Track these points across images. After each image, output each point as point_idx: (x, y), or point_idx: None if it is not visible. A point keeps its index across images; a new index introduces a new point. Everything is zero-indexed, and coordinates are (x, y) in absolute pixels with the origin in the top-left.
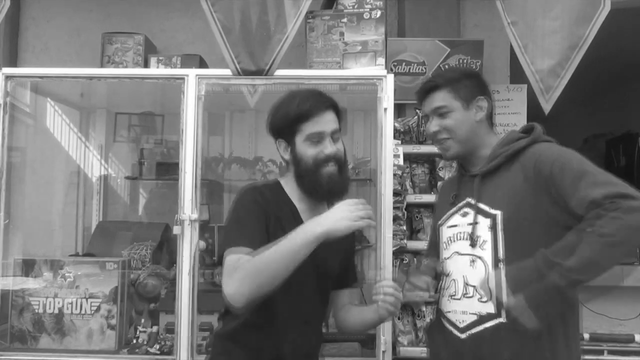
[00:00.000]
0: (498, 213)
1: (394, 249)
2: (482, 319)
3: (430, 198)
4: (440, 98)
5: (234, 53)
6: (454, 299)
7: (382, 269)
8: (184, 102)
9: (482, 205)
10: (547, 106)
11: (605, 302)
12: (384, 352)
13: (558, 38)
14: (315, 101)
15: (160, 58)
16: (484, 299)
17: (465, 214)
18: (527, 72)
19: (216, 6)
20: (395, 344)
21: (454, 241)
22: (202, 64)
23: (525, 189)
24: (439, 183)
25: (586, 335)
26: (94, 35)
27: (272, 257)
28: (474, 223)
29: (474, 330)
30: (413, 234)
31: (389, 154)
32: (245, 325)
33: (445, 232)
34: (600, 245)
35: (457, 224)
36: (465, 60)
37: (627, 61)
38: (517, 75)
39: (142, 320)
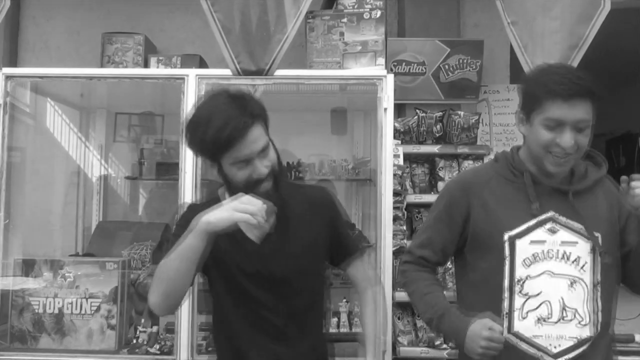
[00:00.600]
0: (599, 235)
1: (394, 249)
2: (579, 343)
3: (430, 198)
4: (587, 109)
5: (234, 53)
6: (548, 322)
7: (382, 269)
8: (184, 102)
9: (579, 226)
10: None
11: None
12: (384, 352)
13: (558, 38)
14: (234, 126)
15: (160, 58)
16: (584, 322)
17: (554, 231)
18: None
19: (216, 6)
20: (395, 344)
21: (543, 259)
22: (202, 64)
23: (612, 216)
24: (440, 183)
25: None
26: (94, 35)
27: (169, 259)
28: (577, 243)
29: (570, 355)
30: (413, 233)
31: (389, 154)
32: (215, 335)
33: (527, 248)
34: None
35: (544, 240)
36: (465, 60)
37: (627, 61)
38: (517, 75)
39: (142, 320)
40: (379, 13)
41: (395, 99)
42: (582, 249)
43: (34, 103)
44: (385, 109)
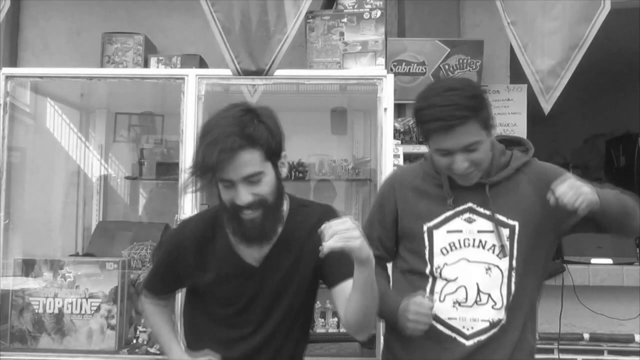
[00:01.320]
0: (515, 224)
1: None
2: (492, 325)
3: None
4: (471, 132)
5: (234, 53)
6: (463, 305)
7: None
8: (184, 102)
9: (497, 215)
10: (547, 106)
11: (605, 302)
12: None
13: (558, 38)
14: (222, 146)
15: (160, 58)
16: (498, 305)
17: (470, 220)
18: (527, 72)
19: (216, 6)
20: None
21: (460, 247)
22: (202, 64)
23: (536, 201)
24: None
25: (586, 335)
26: (94, 35)
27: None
28: (492, 231)
29: (482, 337)
30: None
31: (389, 154)
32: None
33: (444, 237)
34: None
35: (460, 229)
36: (465, 60)
37: (627, 61)
38: (517, 75)
39: (142, 320)
40: (379, 13)
41: (395, 99)
42: (497, 237)
43: (34, 103)
44: (385, 109)
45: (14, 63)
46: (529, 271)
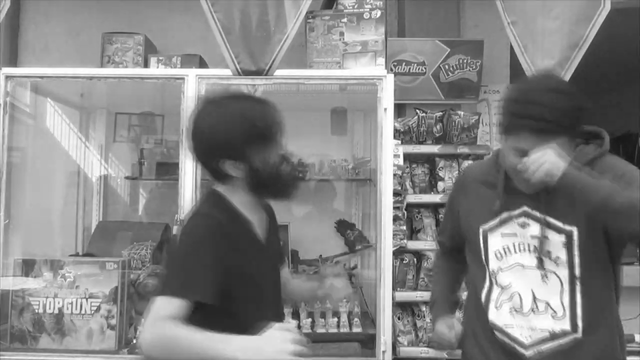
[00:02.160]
0: (573, 229)
1: (394, 249)
2: (554, 335)
3: (430, 198)
4: (559, 146)
5: (234, 53)
6: (520, 313)
7: (382, 269)
8: (184, 102)
9: (551, 220)
10: None
11: None
12: (384, 352)
13: (558, 38)
14: (274, 114)
15: (160, 58)
16: (559, 315)
17: (524, 225)
18: (527, 72)
19: (216, 6)
20: (395, 344)
21: (515, 252)
22: (202, 64)
23: None
24: (440, 183)
25: None
26: (94, 35)
27: (185, 348)
28: (543, 237)
29: (543, 347)
30: (413, 234)
31: (389, 154)
32: None
33: (499, 240)
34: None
35: (515, 233)
36: (465, 60)
37: (626, 61)
38: (517, 75)
39: (142, 320)
40: (379, 13)
41: (395, 99)
42: (554, 243)
43: (34, 103)
44: (385, 109)
45: (14, 63)
46: (599, 280)
